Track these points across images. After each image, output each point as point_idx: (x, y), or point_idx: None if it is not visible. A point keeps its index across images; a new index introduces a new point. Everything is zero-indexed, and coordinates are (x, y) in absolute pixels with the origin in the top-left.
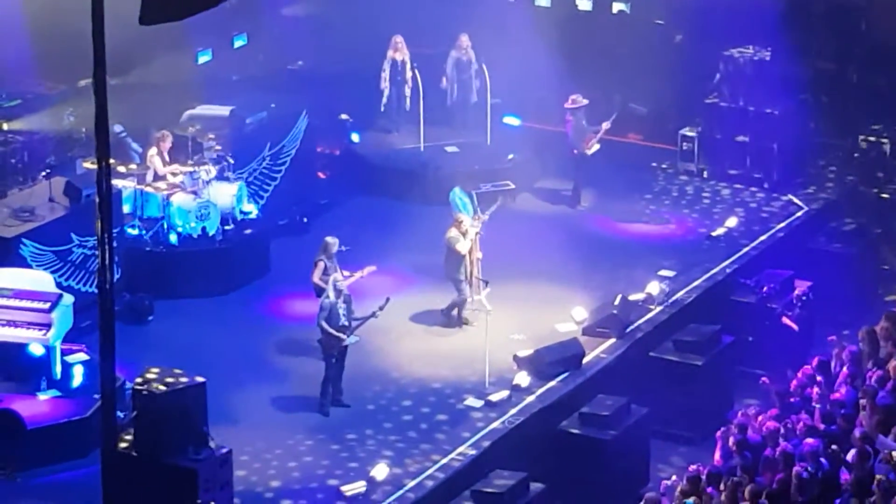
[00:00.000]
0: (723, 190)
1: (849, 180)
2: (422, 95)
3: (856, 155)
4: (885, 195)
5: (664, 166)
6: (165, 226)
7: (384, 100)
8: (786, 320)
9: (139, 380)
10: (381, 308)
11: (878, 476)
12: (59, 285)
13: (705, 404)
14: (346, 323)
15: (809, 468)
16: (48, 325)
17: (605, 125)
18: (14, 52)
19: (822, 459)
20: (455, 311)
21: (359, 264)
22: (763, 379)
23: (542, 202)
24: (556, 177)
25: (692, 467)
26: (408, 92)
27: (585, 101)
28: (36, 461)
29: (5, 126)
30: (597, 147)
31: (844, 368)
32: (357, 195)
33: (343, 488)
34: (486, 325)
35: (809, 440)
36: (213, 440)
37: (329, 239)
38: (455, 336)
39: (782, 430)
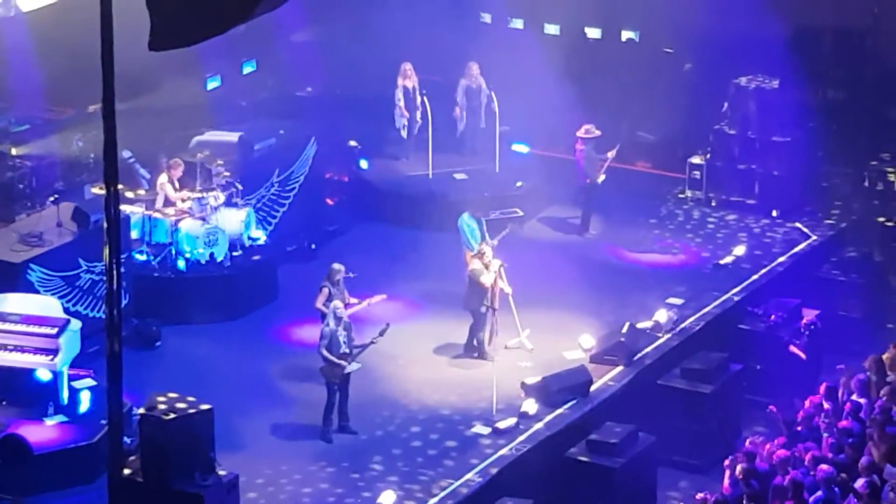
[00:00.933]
0: (730, 218)
1: (856, 209)
2: (431, 122)
3: (864, 184)
4: (890, 223)
5: (679, 194)
6: (174, 252)
7: (403, 128)
8: (793, 349)
9: (146, 406)
10: (380, 334)
11: None
12: (66, 311)
13: (713, 432)
14: (347, 350)
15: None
16: (55, 351)
17: (611, 154)
18: (22, 77)
19: (835, 488)
20: (475, 342)
21: (367, 291)
22: (770, 407)
23: (550, 230)
24: (564, 204)
25: (699, 496)
26: (418, 118)
27: (598, 133)
28: (42, 487)
29: (14, 151)
30: (603, 177)
31: (853, 397)
32: (365, 222)
33: None
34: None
35: (824, 466)
36: (220, 466)
37: (335, 266)
38: (463, 363)
39: (790, 459)
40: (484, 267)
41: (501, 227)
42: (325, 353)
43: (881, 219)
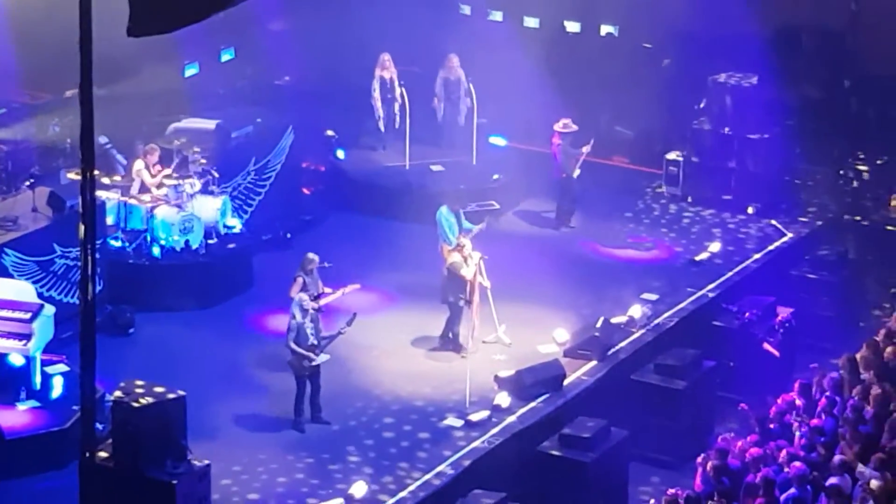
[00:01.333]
0: (706, 214)
1: (832, 207)
2: (408, 114)
3: (840, 182)
4: (866, 223)
5: (656, 189)
6: (149, 238)
7: (380, 119)
8: (767, 346)
9: (119, 392)
10: (347, 324)
11: None
12: (40, 296)
13: (685, 429)
14: (315, 342)
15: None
16: (28, 336)
17: (585, 149)
18: None
19: (808, 486)
20: (450, 335)
21: (342, 281)
22: (742, 405)
23: (526, 223)
24: (540, 198)
25: (670, 491)
26: (397, 110)
27: (576, 128)
28: (13, 472)
29: None
30: (578, 171)
31: (825, 396)
32: (341, 212)
33: None
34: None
35: (796, 464)
36: (192, 454)
37: (309, 255)
38: (437, 356)
39: (762, 457)
40: (464, 260)
41: (479, 219)
42: (292, 345)
43: (857, 217)
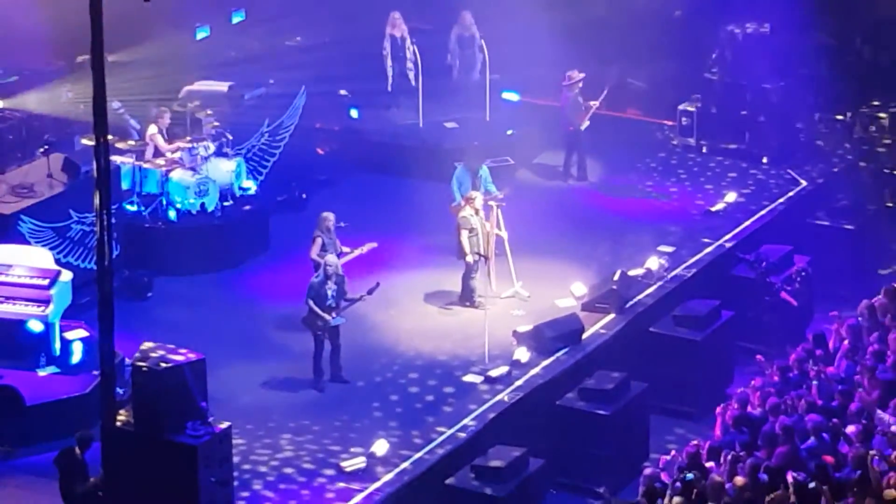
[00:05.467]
0: (722, 165)
1: (848, 155)
2: (421, 72)
3: (856, 129)
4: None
5: (671, 141)
6: (164, 202)
7: (390, 78)
8: (785, 295)
9: (138, 356)
10: (369, 292)
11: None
12: (57, 262)
13: (705, 380)
14: (333, 304)
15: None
16: (47, 302)
17: (594, 104)
18: (11, 28)
19: (824, 434)
20: (467, 290)
21: (358, 240)
22: (758, 356)
23: (541, 178)
24: (555, 151)
25: (692, 443)
26: (410, 67)
27: (582, 76)
28: (35, 437)
29: (2, 103)
30: (587, 123)
31: (844, 343)
32: (356, 171)
33: (343, 464)
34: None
35: (812, 415)
36: (213, 416)
37: (325, 214)
38: (455, 311)
39: (782, 406)
40: (474, 212)
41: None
42: (310, 303)
43: (871, 165)
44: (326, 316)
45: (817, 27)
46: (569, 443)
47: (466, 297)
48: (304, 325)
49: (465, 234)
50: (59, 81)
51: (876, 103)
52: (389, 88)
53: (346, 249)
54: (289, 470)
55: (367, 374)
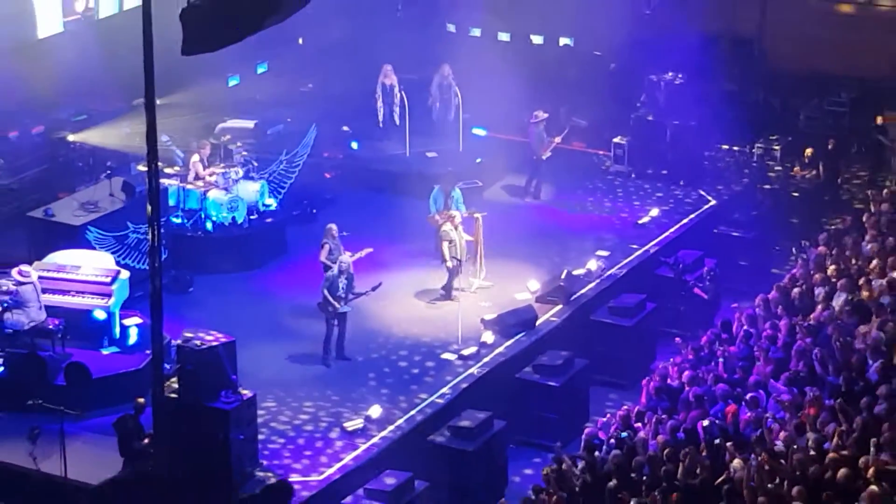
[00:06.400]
0: (647, 187)
1: (745, 180)
2: (408, 112)
3: (753, 158)
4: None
5: (607, 167)
6: (203, 216)
7: (380, 117)
8: (697, 290)
9: (182, 339)
10: (372, 289)
11: (767, 416)
12: (117, 263)
13: (633, 357)
14: (343, 294)
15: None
16: (109, 295)
17: (557, 139)
18: (81, 77)
19: (729, 400)
20: (446, 289)
21: (358, 246)
22: (676, 339)
23: (504, 196)
24: (515, 175)
25: (624, 408)
26: (397, 110)
27: (546, 115)
28: (100, 404)
29: (74, 137)
30: (549, 154)
31: (744, 328)
32: (355, 191)
33: (345, 424)
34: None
35: (720, 385)
36: (241, 386)
37: (331, 225)
38: (435, 304)
39: (695, 378)
40: (453, 227)
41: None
42: (325, 292)
43: (766, 186)
44: (336, 304)
45: (722, 77)
46: (525, 408)
47: (448, 293)
48: (319, 310)
49: (445, 245)
50: (118, 119)
51: (770, 137)
52: (381, 125)
53: (348, 253)
54: (307, 427)
55: (365, 352)
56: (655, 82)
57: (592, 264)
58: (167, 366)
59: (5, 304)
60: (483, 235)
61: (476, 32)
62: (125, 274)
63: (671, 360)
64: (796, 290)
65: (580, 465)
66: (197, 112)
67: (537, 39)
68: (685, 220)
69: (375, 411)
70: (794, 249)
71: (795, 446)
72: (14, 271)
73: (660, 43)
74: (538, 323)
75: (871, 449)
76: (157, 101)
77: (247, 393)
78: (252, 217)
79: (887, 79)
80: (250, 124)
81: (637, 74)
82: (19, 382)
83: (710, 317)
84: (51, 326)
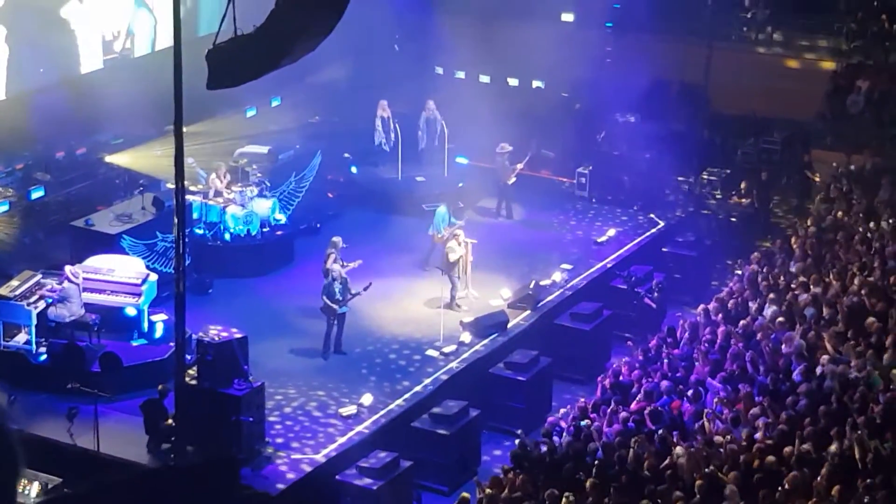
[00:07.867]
0: (606, 210)
1: (691, 205)
2: (400, 142)
3: (697, 188)
4: (715, 215)
5: (571, 193)
6: (222, 228)
7: (382, 143)
8: (647, 300)
9: (202, 333)
10: (364, 289)
11: (706, 410)
12: (147, 267)
13: (591, 357)
14: (340, 298)
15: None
16: (139, 294)
17: (519, 166)
18: (118, 105)
19: (673, 395)
20: (450, 298)
21: (355, 256)
22: (628, 342)
23: (482, 216)
24: (492, 198)
25: (581, 401)
26: (391, 139)
27: (510, 148)
28: (130, 388)
29: (111, 158)
30: (514, 180)
31: (686, 334)
32: (354, 209)
33: (340, 410)
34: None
35: (665, 382)
36: (252, 375)
37: (335, 238)
38: (422, 308)
39: (644, 375)
40: (457, 244)
41: (460, 216)
42: (324, 298)
43: (708, 212)
44: (335, 307)
45: (672, 117)
46: (496, 399)
47: (451, 302)
48: (322, 313)
49: (451, 258)
50: (150, 143)
51: (712, 170)
52: (386, 149)
53: (343, 263)
54: (311, 408)
55: (359, 347)
56: (615, 121)
57: (557, 276)
58: (188, 356)
59: (50, 300)
60: (472, 255)
61: (461, 75)
62: (154, 276)
63: (623, 359)
64: (732, 301)
65: (542, 448)
66: (219, 139)
67: (513, 82)
68: (638, 240)
69: (367, 399)
70: (731, 266)
71: (730, 437)
72: (68, 271)
73: (619, 86)
74: (509, 325)
75: (795, 440)
76: (185, 129)
77: (256, 381)
78: (264, 230)
79: (813, 122)
80: (264, 150)
81: (598, 113)
82: (60, 369)
83: (658, 323)
84: (88, 321)
